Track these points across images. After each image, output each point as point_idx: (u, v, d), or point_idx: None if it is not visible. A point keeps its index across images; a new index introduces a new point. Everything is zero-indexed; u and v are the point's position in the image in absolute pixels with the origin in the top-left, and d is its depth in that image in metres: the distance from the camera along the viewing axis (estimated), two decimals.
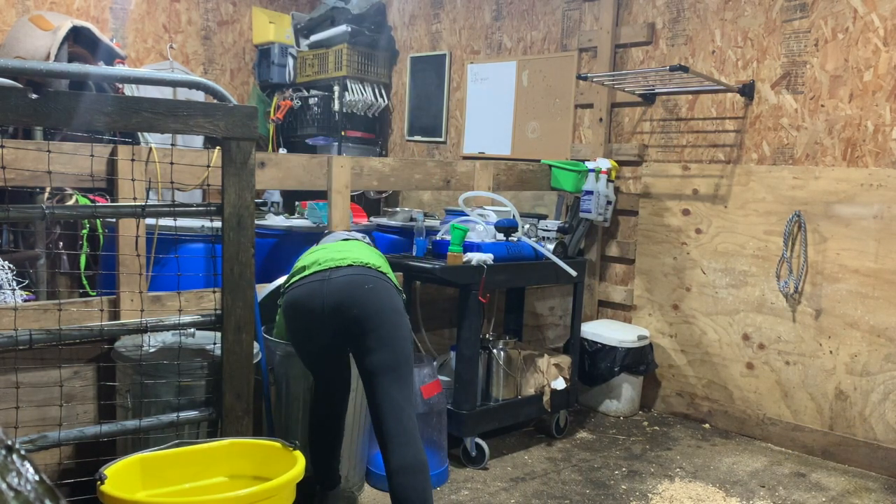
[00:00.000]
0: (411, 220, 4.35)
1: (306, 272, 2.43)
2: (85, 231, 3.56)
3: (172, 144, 3.76)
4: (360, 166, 3.43)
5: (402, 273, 3.47)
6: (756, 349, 3.82)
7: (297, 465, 2.07)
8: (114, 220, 2.98)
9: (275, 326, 2.83)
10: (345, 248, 2.55)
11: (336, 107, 5.45)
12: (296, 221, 3.84)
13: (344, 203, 3.33)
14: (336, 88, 5.45)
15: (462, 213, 3.44)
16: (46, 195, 3.45)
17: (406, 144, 5.61)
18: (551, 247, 3.45)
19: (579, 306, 3.79)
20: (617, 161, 4.24)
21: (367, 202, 5.48)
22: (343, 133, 5.50)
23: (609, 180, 4.10)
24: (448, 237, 3.21)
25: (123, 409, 2.55)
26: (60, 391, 2.50)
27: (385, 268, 2.52)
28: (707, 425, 4.02)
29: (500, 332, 3.85)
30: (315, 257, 2.50)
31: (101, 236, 3.56)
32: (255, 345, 2.54)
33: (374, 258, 2.53)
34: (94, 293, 3.39)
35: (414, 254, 3.53)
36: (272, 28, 5.71)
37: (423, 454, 2.32)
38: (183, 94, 4.55)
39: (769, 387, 3.78)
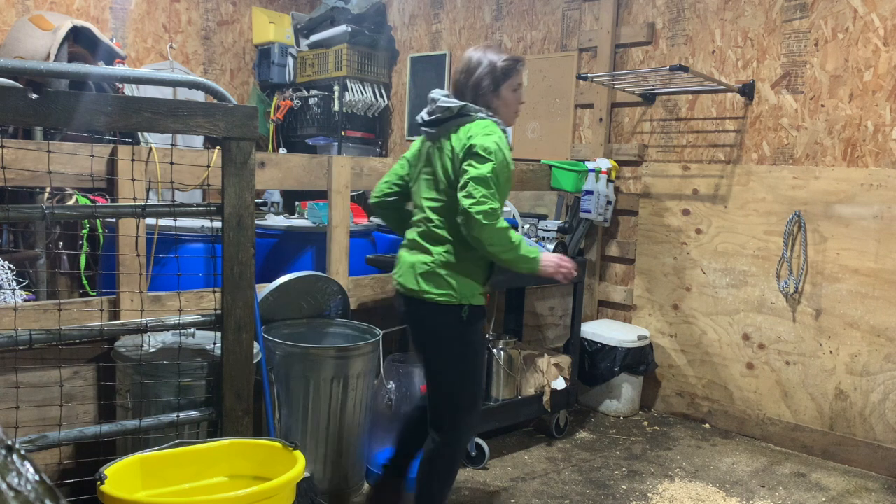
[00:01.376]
0: None
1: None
2: (85, 231, 3.56)
3: (172, 144, 3.76)
4: (360, 166, 3.43)
5: None
6: (756, 349, 3.82)
7: (297, 465, 2.07)
8: (114, 220, 2.98)
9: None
10: (403, 252, 2.46)
11: (336, 107, 5.45)
12: (296, 221, 3.84)
13: (344, 203, 3.33)
14: (336, 88, 5.45)
15: None
16: (46, 195, 3.45)
17: (406, 144, 5.61)
18: (551, 247, 3.45)
19: (579, 306, 3.79)
20: (617, 161, 4.24)
21: (367, 202, 5.47)
22: (343, 133, 5.50)
23: (609, 180, 4.10)
24: None
25: (123, 409, 2.55)
26: (60, 391, 2.50)
27: (425, 284, 2.33)
28: (707, 425, 4.02)
29: (500, 332, 3.84)
30: (400, 252, 2.49)
31: (101, 236, 3.56)
32: (255, 345, 2.54)
33: (419, 272, 2.34)
34: (94, 293, 3.39)
35: None
36: (272, 28, 5.71)
37: (437, 449, 2.44)
38: (183, 94, 4.55)
39: (769, 387, 3.78)
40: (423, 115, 2.42)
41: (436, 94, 2.40)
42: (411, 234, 2.44)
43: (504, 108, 2.40)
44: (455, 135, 2.31)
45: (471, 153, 2.23)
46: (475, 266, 2.36)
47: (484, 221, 2.16)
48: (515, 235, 2.26)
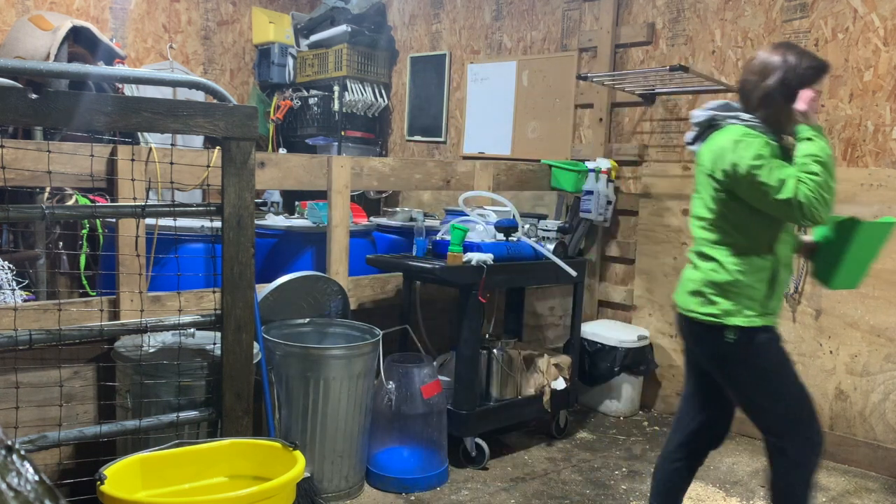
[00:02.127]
0: (411, 220, 4.35)
1: None
2: (85, 231, 3.56)
3: (172, 144, 3.76)
4: (360, 166, 3.43)
5: (402, 273, 3.48)
6: None
7: (297, 465, 2.07)
8: (114, 220, 2.98)
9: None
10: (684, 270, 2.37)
11: (336, 107, 5.45)
12: (296, 221, 3.84)
13: (344, 203, 3.33)
14: (336, 88, 5.45)
15: (462, 213, 3.44)
16: (46, 195, 3.45)
17: (406, 144, 5.61)
18: (551, 247, 3.45)
19: (579, 306, 3.79)
20: (617, 161, 4.24)
21: (367, 202, 5.48)
22: (343, 133, 5.50)
23: (609, 180, 4.10)
24: (448, 237, 3.22)
25: (123, 409, 2.55)
26: (60, 391, 2.50)
27: (691, 300, 2.26)
28: None
29: (500, 332, 3.84)
30: None
31: (100, 236, 3.56)
32: (255, 345, 2.54)
33: (687, 290, 2.28)
34: (94, 293, 3.39)
35: (414, 254, 3.53)
36: (272, 28, 5.71)
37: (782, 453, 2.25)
38: (183, 94, 4.55)
39: None
40: (688, 135, 2.36)
41: (693, 112, 2.33)
42: (690, 252, 2.36)
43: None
44: (706, 147, 2.23)
45: (725, 173, 2.12)
46: (751, 282, 2.16)
47: (804, 198, 2.00)
48: (811, 172, 2.01)
